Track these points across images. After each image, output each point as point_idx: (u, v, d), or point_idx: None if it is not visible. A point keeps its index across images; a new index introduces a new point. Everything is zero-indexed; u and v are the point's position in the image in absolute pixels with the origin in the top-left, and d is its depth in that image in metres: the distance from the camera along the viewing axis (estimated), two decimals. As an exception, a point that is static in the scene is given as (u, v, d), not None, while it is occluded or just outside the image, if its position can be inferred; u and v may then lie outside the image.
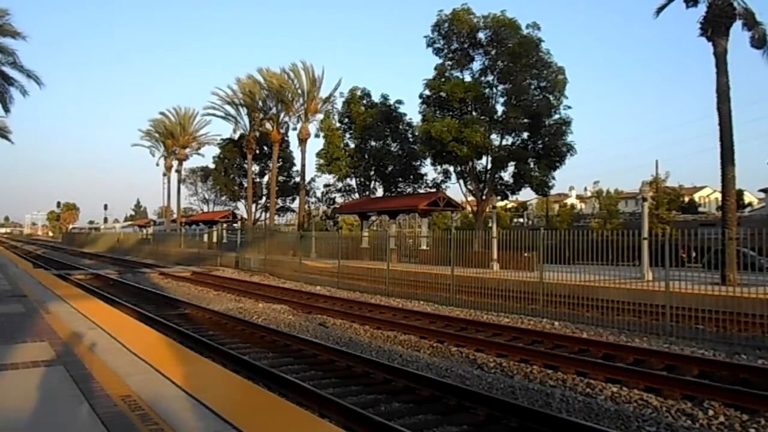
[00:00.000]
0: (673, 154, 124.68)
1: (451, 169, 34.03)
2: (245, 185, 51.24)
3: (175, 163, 58.79)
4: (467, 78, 31.80)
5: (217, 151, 56.25)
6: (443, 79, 31.61)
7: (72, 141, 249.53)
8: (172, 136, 57.75)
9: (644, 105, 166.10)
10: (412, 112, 73.38)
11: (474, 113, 31.06)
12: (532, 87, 30.91)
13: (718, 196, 26.17)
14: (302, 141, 42.58)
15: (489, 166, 31.85)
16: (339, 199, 44.07)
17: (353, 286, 21.78)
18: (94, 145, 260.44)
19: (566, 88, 30.76)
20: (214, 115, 49.69)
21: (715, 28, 17.48)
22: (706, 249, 17.56)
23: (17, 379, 4.78)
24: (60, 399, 4.25)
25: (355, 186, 42.08)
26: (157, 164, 61.43)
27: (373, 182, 40.91)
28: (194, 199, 73.88)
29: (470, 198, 33.37)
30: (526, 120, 30.17)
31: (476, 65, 32.01)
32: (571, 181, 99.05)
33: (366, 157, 39.48)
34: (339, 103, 41.72)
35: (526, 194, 55.77)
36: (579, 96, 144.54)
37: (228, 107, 47.79)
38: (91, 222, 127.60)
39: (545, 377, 8.63)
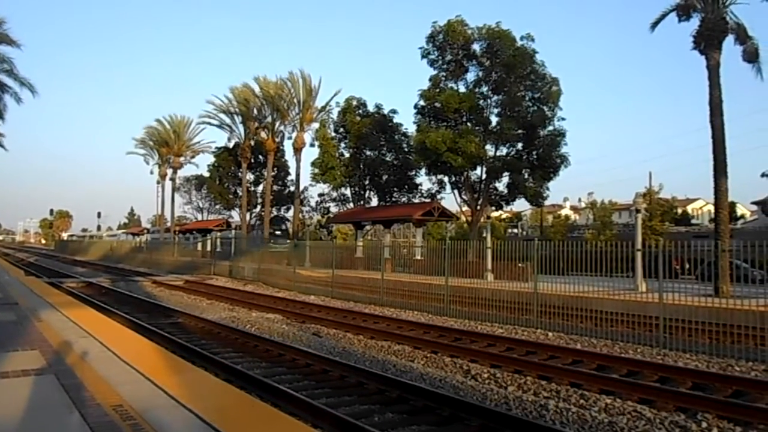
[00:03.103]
0: (666, 166, 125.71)
1: (446, 179, 34.14)
2: (240, 194, 51.19)
3: (169, 172, 58.75)
4: (462, 89, 31.99)
5: (211, 159, 56.34)
6: (438, 90, 31.78)
7: (66, 148, 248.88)
8: (166, 144, 57.69)
9: (638, 117, 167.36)
10: (408, 122, 73.73)
11: (468, 124, 31.20)
12: (527, 98, 31.10)
13: (711, 208, 26.36)
14: (297, 150, 42.63)
15: (483, 177, 31.99)
16: (334, 209, 44.09)
17: (347, 295, 21.72)
18: (88, 152, 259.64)
19: (561, 99, 31.03)
20: (209, 123, 49.79)
21: (707, 41, 17.66)
22: (700, 261, 17.65)
23: (7, 388, 4.73)
24: (50, 408, 4.21)
25: (349, 195, 42.12)
26: (152, 172, 61.35)
27: (367, 192, 40.95)
28: (188, 208, 73.64)
29: (465, 208, 33.47)
30: (520, 131, 30.33)
31: (471, 76, 32.28)
32: (566, 192, 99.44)
33: (361, 166, 39.55)
34: (335, 113, 41.88)
35: (521, 205, 55.69)
36: (573, 107, 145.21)
37: (223, 116, 47.89)
38: (84, 230, 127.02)
39: (539, 388, 8.61)
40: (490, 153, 31.50)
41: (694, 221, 60.10)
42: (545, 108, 30.80)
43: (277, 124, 45.05)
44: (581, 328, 13.98)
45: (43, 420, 3.95)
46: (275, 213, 52.42)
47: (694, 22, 18.21)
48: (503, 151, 31.83)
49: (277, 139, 46.00)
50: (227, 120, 48.04)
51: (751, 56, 18.16)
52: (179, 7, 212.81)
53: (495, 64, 30.82)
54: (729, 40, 17.98)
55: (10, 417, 3.95)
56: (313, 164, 41.08)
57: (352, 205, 41.64)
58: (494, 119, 31.50)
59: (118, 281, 27.08)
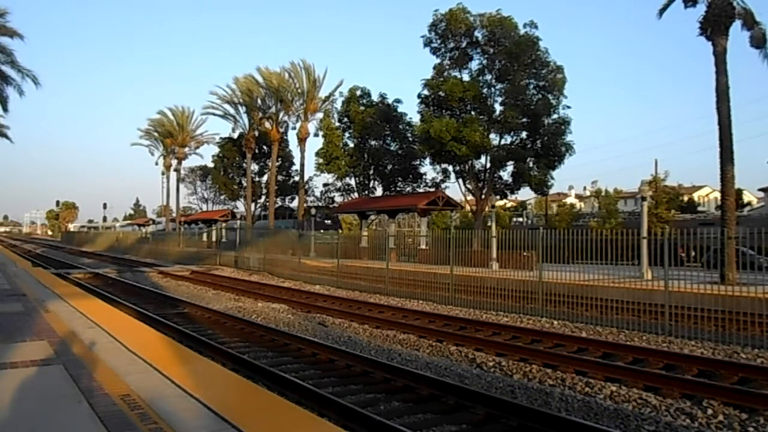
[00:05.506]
0: (672, 154, 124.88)
1: (450, 168, 34.08)
2: (244, 184, 51.26)
3: (174, 162, 58.82)
4: (466, 77, 31.83)
5: (216, 150, 56.39)
6: (442, 79, 31.63)
7: (72, 140, 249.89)
8: (170, 135, 57.74)
9: (644, 104, 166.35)
10: (412, 112, 73.52)
11: (473, 113, 31.08)
12: (531, 86, 30.95)
13: (717, 195, 26.20)
14: (301, 140, 42.58)
15: (488, 166, 31.91)
16: (338, 198, 44.14)
17: (352, 285, 21.76)
18: (94, 144, 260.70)
19: (565, 87, 30.85)
20: (213, 114, 49.82)
21: (714, 27, 17.47)
22: (706, 248, 17.60)
23: (16, 378, 4.77)
24: (59, 398, 4.24)
25: (354, 185, 42.13)
26: (156, 163, 61.63)
27: (372, 181, 40.94)
28: (193, 198, 74.00)
29: (469, 197, 33.41)
30: (524, 119, 30.20)
31: (474, 64, 32.13)
32: (571, 180, 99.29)
33: (365, 156, 39.50)
34: (339, 103, 41.81)
35: (526, 193, 55.87)
36: (578, 95, 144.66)
37: (227, 106, 47.88)
38: (90, 221, 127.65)
39: (544, 376, 8.62)
40: (495, 142, 31.42)
41: (700, 209, 59.86)
42: (550, 96, 30.64)
43: (281, 114, 44.99)
44: (586, 316, 13.96)
45: (51, 409, 3.98)
46: (280, 203, 52.50)
47: (701, 9, 18.05)
48: (508, 139, 31.77)
49: (281, 130, 45.95)
50: (231, 110, 48.11)
51: (759, 42, 17.97)
52: (184, 0, 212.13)
53: (498, 52, 30.63)
54: (736, 26, 17.82)
55: (20, 406, 3.99)
56: (317, 154, 41.13)
57: (356, 194, 41.64)
58: (498, 108, 31.40)
59: (125, 272, 27.22)
